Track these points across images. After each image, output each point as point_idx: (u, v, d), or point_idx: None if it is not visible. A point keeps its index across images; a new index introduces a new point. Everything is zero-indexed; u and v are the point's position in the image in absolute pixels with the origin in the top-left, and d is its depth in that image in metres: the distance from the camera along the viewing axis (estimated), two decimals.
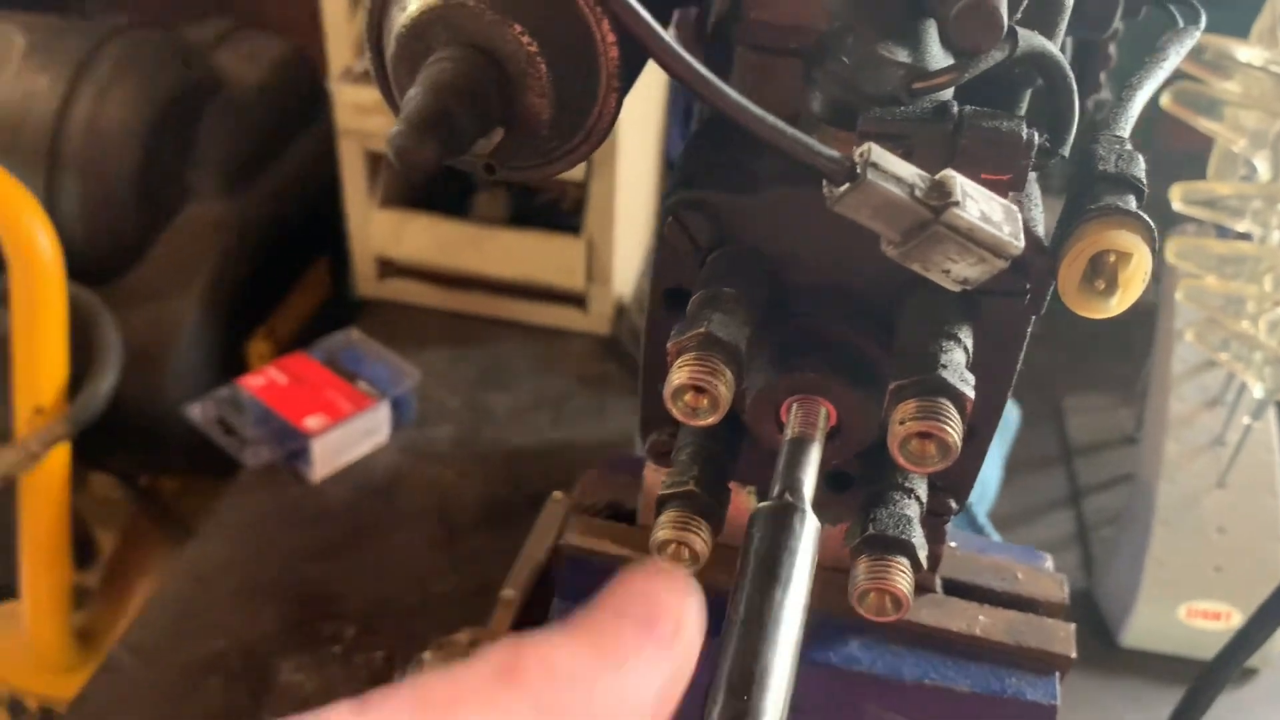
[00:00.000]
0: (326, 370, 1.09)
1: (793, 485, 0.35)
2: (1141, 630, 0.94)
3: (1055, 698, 0.48)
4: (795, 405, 0.39)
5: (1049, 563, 0.54)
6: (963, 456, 0.42)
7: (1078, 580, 1.14)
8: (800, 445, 0.37)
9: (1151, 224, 0.34)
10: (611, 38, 0.37)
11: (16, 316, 1.01)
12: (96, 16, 1.26)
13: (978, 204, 0.30)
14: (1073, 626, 0.50)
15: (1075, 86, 0.35)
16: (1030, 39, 0.34)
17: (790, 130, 0.29)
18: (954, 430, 0.34)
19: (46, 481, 1.05)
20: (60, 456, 1.05)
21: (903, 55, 0.34)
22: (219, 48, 1.30)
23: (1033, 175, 0.40)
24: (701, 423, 0.35)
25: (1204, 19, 0.47)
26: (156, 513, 1.27)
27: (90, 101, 1.09)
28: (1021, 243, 0.31)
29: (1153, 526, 0.91)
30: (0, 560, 1.11)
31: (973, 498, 0.77)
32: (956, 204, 0.30)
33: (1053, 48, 0.34)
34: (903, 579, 0.38)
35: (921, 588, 0.51)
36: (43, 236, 1.00)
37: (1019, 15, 0.34)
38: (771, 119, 0.29)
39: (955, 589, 0.52)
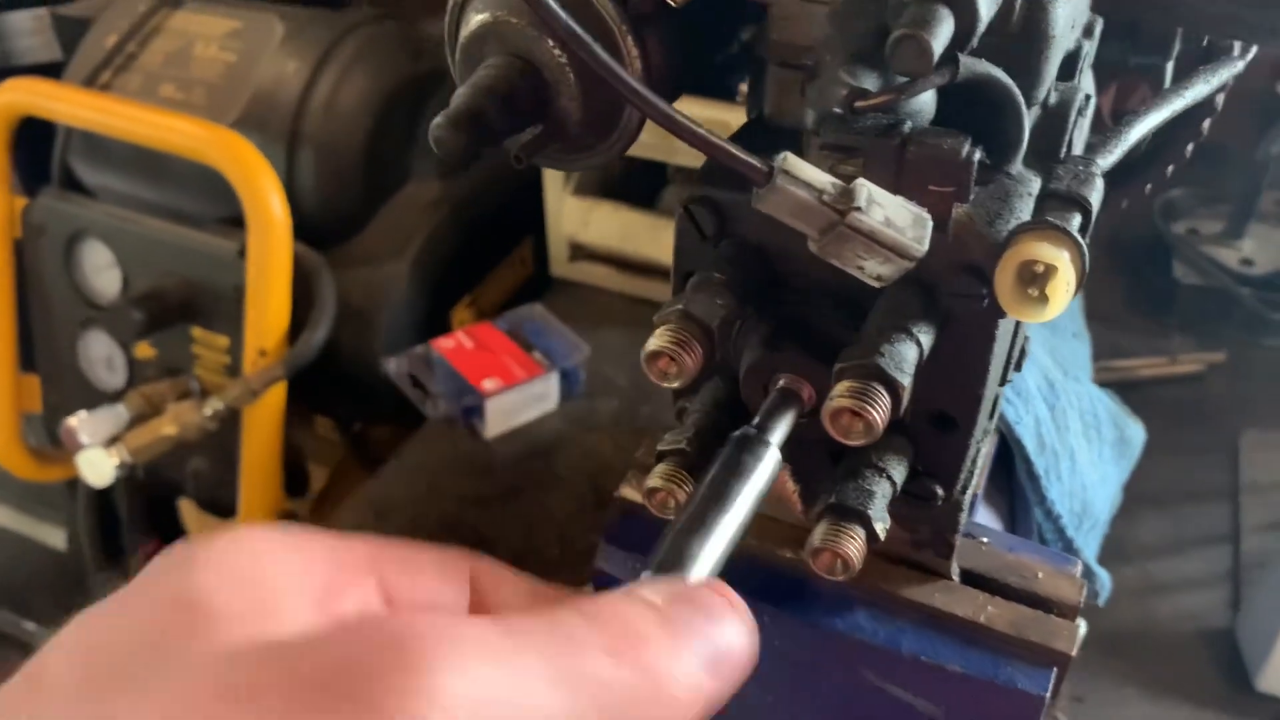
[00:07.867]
0: (508, 339, 1.20)
1: (766, 423, 0.40)
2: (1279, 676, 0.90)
3: (1046, 690, 0.51)
4: (784, 377, 0.44)
5: (1077, 569, 0.55)
6: (944, 446, 0.46)
7: (1222, 619, 1.09)
8: (784, 396, 0.42)
9: (1080, 240, 0.37)
10: (635, 51, 0.43)
11: (251, 270, 1.17)
12: (349, 9, 1.40)
13: (884, 210, 0.35)
14: (1081, 627, 0.52)
15: (1023, 109, 0.39)
16: (974, 65, 0.37)
17: (716, 138, 0.35)
18: (879, 411, 0.38)
19: (264, 414, 1.21)
20: (277, 394, 1.21)
21: (867, 79, 0.38)
22: None
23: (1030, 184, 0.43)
24: (672, 385, 0.41)
25: (1254, 52, 0.48)
26: (362, 455, 1.41)
27: (329, 86, 1.23)
28: (924, 247, 0.35)
29: None
30: (223, 483, 1.28)
31: (1067, 514, 0.78)
32: (859, 209, 0.34)
33: (1000, 74, 0.38)
34: (854, 545, 0.43)
35: (936, 574, 0.54)
36: (276, 201, 1.15)
37: (972, 46, 0.37)
38: (701, 129, 0.35)
39: (973, 579, 0.55)
